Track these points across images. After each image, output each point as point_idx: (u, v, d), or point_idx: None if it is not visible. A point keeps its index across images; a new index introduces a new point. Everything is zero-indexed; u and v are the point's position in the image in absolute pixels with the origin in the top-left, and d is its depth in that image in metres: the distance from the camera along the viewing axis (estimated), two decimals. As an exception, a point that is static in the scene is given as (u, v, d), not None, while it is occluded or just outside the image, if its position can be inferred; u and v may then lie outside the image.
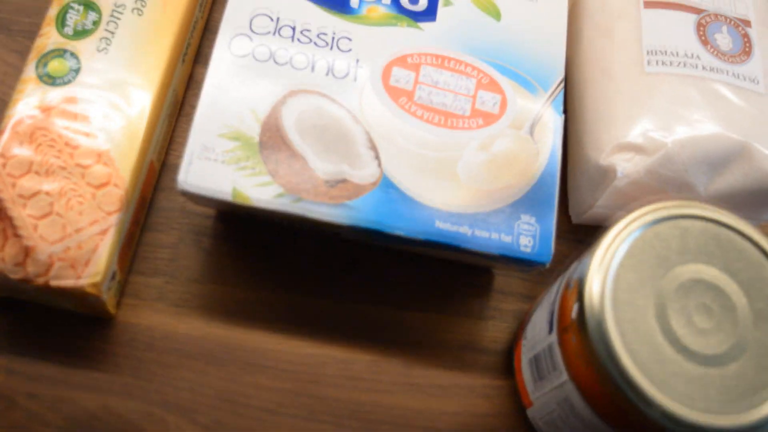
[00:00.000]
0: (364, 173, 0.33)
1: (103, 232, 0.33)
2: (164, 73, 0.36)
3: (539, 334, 0.32)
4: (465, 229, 0.33)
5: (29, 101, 0.35)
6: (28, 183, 0.33)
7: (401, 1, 0.37)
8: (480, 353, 0.36)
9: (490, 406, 0.35)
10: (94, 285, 0.32)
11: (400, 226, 0.33)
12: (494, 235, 0.33)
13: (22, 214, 0.32)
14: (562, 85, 0.35)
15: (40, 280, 0.32)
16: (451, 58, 0.36)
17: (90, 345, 0.36)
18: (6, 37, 0.41)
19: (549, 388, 0.32)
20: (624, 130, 0.34)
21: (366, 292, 0.37)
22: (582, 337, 0.28)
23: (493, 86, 0.35)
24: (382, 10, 0.36)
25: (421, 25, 0.36)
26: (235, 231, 0.38)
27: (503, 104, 0.35)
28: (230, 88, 0.34)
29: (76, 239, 0.32)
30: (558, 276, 0.36)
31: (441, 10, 0.37)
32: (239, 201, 0.33)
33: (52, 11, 0.36)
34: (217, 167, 0.33)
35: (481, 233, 0.33)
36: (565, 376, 0.30)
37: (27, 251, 0.32)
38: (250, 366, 0.36)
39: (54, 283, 0.32)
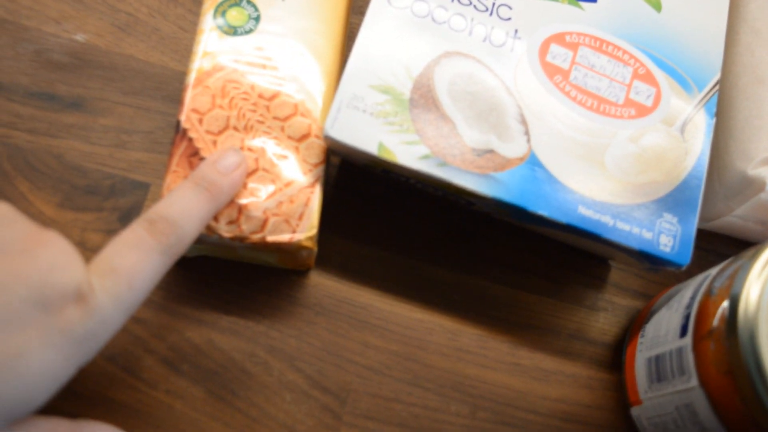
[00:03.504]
0: (513, 147, 0.33)
1: (312, 184, 0.32)
2: (344, 20, 0.35)
3: (666, 335, 0.32)
4: (607, 219, 0.32)
5: (214, 53, 0.33)
6: (229, 140, 0.32)
7: (563, -24, 0.36)
8: (588, 343, 0.36)
9: (592, 398, 0.35)
10: (311, 238, 0.32)
11: (544, 206, 0.32)
12: (635, 230, 0.32)
13: None
14: (717, 87, 0.35)
15: (256, 237, 0.31)
16: (610, 42, 0.35)
17: (200, 278, 0.35)
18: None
19: (669, 391, 0.31)
20: (779, 144, 0.33)
21: (480, 266, 0.37)
22: (727, 346, 0.28)
23: (649, 78, 0.34)
24: (544, -18, 0.35)
25: (583, 4, 0.35)
26: (357, 183, 0.37)
27: (657, 98, 0.34)
28: (385, 40, 0.33)
29: (287, 193, 0.32)
30: (681, 279, 0.35)
31: (602, -8, 0.36)
32: (384, 157, 0.32)
33: None
34: (365, 119, 0.32)
35: (623, 226, 0.32)
36: (694, 382, 0.30)
37: (240, 209, 0.31)
38: (359, 322, 0.35)
39: (271, 238, 0.31)
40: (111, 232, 0.35)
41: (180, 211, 0.28)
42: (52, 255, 0.25)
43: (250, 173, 0.32)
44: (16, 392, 0.24)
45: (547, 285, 0.37)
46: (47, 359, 0.24)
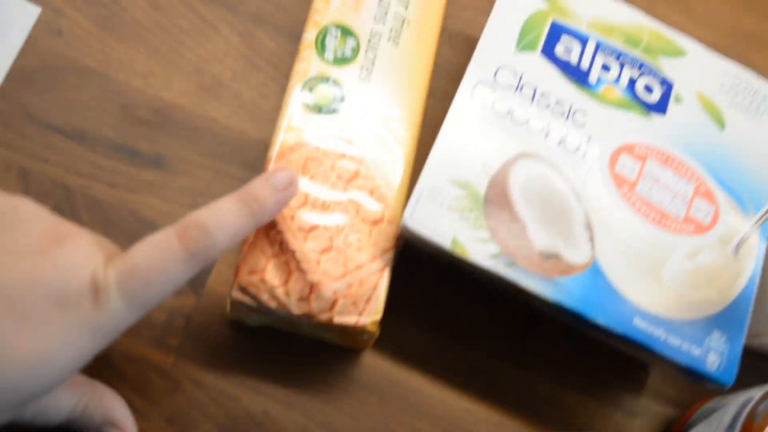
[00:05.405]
0: (577, 253, 0.34)
1: (381, 269, 0.33)
2: (423, 107, 0.36)
3: (707, 449, 0.34)
4: (660, 333, 0.34)
5: (298, 129, 0.34)
6: (306, 216, 0.33)
7: (636, 88, 0.37)
8: (625, 444, 0.38)
9: (625, 496, 0.37)
10: (375, 323, 0.33)
11: (602, 315, 0.33)
12: (685, 345, 0.34)
13: (304, 248, 0.32)
14: (773, 211, 0.36)
15: (324, 317, 0.32)
16: (675, 158, 0.36)
17: (261, 348, 0.36)
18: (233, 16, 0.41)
19: (706, 504, 0.33)
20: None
21: (530, 360, 0.38)
22: (771, 475, 0.29)
23: (709, 196, 0.36)
24: (618, 92, 0.37)
25: (652, 115, 0.37)
26: (417, 268, 0.39)
27: (715, 216, 0.36)
28: (466, 134, 0.35)
29: (358, 276, 0.32)
30: (717, 394, 0.37)
31: (672, 106, 0.37)
32: (456, 252, 0.33)
33: (310, 34, 0.36)
34: (441, 212, 0.34)
35: (674, 340, 0.34)
36: (734, 501, 0.31)
37: (312, 287, 0.32)
38: (409, 407, 0.36)
39: (338, 319, 0.32)
40: (179, 290, 0.36)
41: (216, 221, 0.29)
42: (69, 253, 0.27)
43: (324, 251, 0.33)
44: (34, 386, 0.26)
45: (589, 385, 0.38)
46: (65, 353, 0.26)
